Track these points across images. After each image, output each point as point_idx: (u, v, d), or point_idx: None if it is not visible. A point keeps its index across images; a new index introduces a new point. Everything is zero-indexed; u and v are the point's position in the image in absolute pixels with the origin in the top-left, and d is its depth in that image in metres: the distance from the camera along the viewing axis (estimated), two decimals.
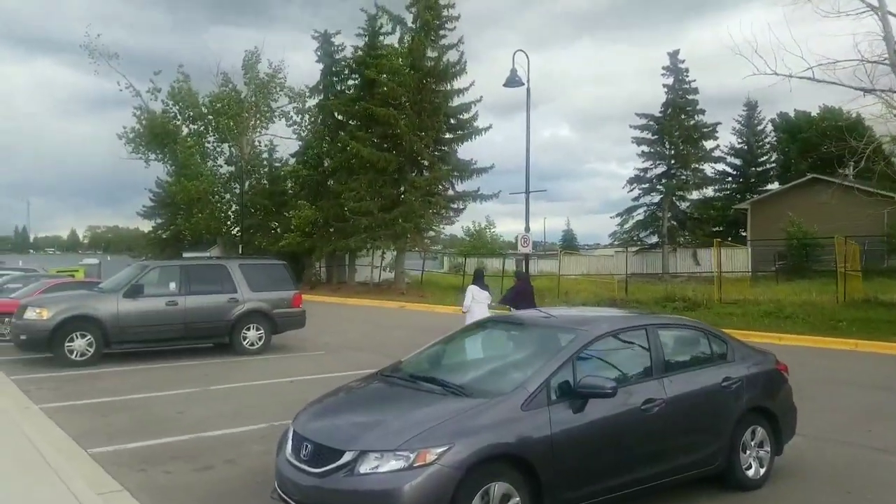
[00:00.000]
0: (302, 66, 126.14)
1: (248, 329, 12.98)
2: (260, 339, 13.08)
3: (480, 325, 6.18)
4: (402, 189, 30.91)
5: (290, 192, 37.90)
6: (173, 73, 38.55)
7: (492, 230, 58.71)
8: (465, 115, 31.40)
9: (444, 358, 5.65)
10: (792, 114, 52.21)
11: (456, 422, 4.10)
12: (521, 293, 12.10)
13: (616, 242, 47.23)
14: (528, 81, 19.98)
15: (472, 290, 11.09)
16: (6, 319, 13.05)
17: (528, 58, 20.03)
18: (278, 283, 13.60)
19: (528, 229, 20.40)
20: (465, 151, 33.18)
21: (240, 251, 37.81)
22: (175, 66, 38.65)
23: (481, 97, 31.30)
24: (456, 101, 31.23)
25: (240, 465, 6.05)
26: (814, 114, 51.03)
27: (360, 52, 34.19)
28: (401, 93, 29.77)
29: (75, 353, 11.36)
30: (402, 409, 4.49)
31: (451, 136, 31.91)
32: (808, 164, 47.48)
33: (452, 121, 31.71)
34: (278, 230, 37.86)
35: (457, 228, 51.99)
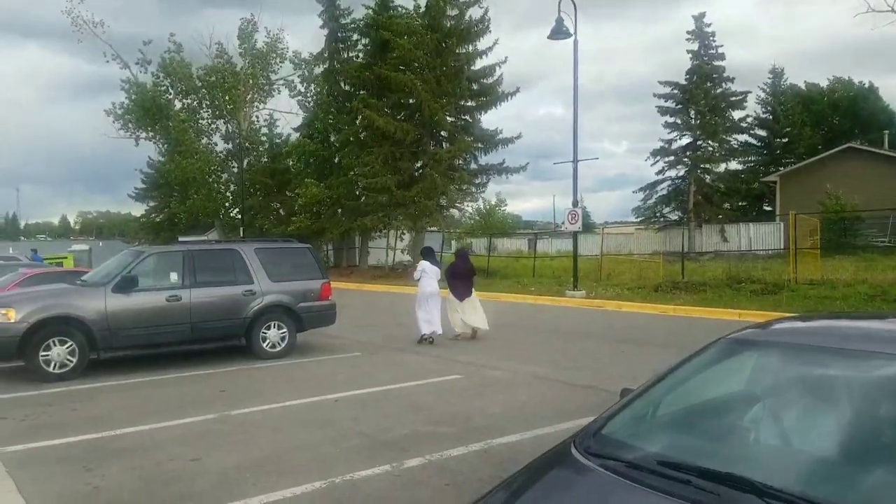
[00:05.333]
0: (303, 35, 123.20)
1: (269, 328, 10.55)
2: (283, 339, 10.66)
3: (744, 346, 2.95)
4: (421, 163, 28.12)
5: (293, 169, 35.22)
6: (165, 45, 35.67)
7: (503, 208, 56.42)
8: (489, 80, 28.56)
9: (707, 417, 2.87)
10: (803, 86, 50.24)
11: None
12: (456, 273, 11.56)
13: (639, 219, 44.98)
14: (575, 32, 17.46)
15: (424, 265, 11.57)
16: None
17: (574, 5, 17.47)
18: (303, 271, 11.14)
19: (576, 203, 17.96)
20: (485, 121, 30.63)
21: (240, 234, 35.24)
22: (166, 44, 35.65)
23: (506, 58, 28.56)
24: (478, 65, 28.46)
25: None
26: (823, 85, 49.32)
27: (371, 12, 31.14)
28: (418, 55, 26.89)
29: (53, 364, 8.88)
30: None
31: (474, 103, 29.05)
32: (820, 137, 45.47)
33: (475, 86, 28.84)
34: (281, 211, 35.35)
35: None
